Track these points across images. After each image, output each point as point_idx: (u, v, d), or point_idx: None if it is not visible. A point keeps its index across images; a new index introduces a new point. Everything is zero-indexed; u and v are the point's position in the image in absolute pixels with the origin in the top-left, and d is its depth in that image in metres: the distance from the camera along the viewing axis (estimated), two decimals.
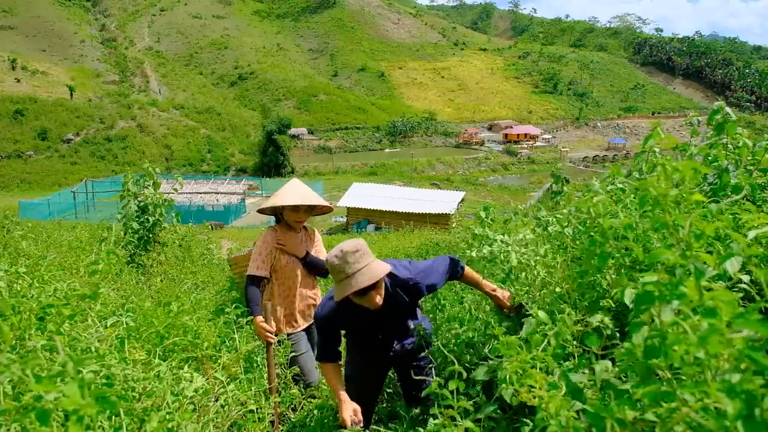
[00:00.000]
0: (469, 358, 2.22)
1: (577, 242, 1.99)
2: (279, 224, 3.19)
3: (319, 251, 3.40)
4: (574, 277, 1.71)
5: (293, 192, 3.06)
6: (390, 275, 2.20)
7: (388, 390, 3.02)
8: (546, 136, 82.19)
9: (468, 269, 2.36)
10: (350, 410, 2.16)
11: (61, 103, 64.55)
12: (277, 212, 3.18)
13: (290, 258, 3.11)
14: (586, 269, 1.53)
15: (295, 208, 3.05)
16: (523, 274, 2.03)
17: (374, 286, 2.05)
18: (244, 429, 2.17)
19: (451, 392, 1.46)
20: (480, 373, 1.54)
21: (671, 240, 1.04)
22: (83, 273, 3.34)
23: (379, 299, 2.10)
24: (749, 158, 1.94)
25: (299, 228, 3.18)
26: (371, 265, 2.03)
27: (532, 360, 1.33)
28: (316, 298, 3.31)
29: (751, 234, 1.09)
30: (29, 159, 55.19)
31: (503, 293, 2.18)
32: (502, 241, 2.26)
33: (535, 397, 1.21)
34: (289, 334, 3.11)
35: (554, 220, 2.15)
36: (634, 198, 1.59)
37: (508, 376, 1.31)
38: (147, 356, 2.03)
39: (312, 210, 3.17)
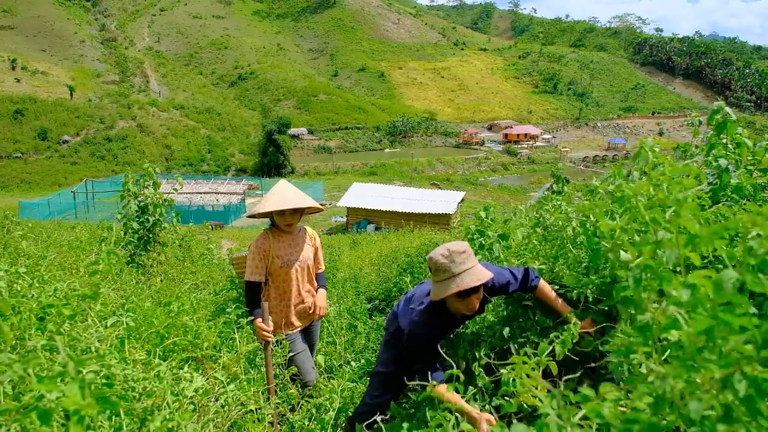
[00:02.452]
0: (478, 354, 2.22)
1: (577, 241, 1.99)
2: (272, 227, 3.16)
3: (318, 255, 3.39)
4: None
5: (276, 196, 3.01)
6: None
7: None
8: (546, 136, 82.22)
9: (543, 283, 2.17)
10: (485, 422, 1.78)
11: (61, 103, 64.56)
12: (268, 215, 3.15)
13: (284, 261, 3.09)
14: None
15: (280, 212, 3.01)
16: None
17: (477, 289, 2.01)
18: (244, 429, 2.17)
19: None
20: None
21: (650, 233, 1.05)
22: (83, 273, 3.34)
23: (477, 304, 2.07)
24: (749, 158, 1.94)
25: (291, 230, 3.14)
26: (477, 268, 1.99)
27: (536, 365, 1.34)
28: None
29: (754, 233, 1.10)
30: (29, 159, 55.19)
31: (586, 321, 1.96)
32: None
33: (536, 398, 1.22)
34: (285, 335, 3.11)
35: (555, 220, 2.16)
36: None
37: (510, 380, 1.31)
38: (147, 356, 2.03)
39: (300, 211, 3.10)
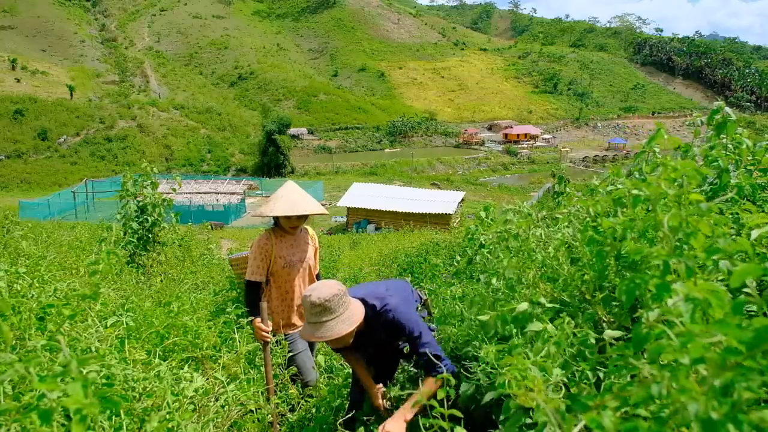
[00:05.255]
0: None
1: (578, 242, 1.98)
2: (275, 227, 3.17)
3: (316, 256, 3.40)
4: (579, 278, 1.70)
5: (284, 200, 3.02)
6: (369, 305, 2.13)
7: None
8: (546, 136, 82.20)
9: (430, 382, 1.96)
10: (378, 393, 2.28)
11: (61, 103, 64.49)
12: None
13: (286, 261, 3.10)
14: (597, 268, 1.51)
15: (287, 216, 3.03)
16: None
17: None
18: (244, 429, 2.17)
19: (440, 401, 1.41)
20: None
21: (666, 240, 1.03)
22: (83, 273, 3.34)
23: (338, 344, 2.13)
24: (749, 158, 1.94)
25: (294, 232, 3.17)
26: (329, 324, 1.98)
27: (531, 365, 1.32)
28: None
29: (754, 234, 1.08)
30: (29, 159, 55.15)
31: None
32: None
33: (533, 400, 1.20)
34: (286, 335, 3.12)
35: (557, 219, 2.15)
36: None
37: (506, 381, 1.29)
38: (147, 356, 2.03)
39: (306, 215, 3.14)
